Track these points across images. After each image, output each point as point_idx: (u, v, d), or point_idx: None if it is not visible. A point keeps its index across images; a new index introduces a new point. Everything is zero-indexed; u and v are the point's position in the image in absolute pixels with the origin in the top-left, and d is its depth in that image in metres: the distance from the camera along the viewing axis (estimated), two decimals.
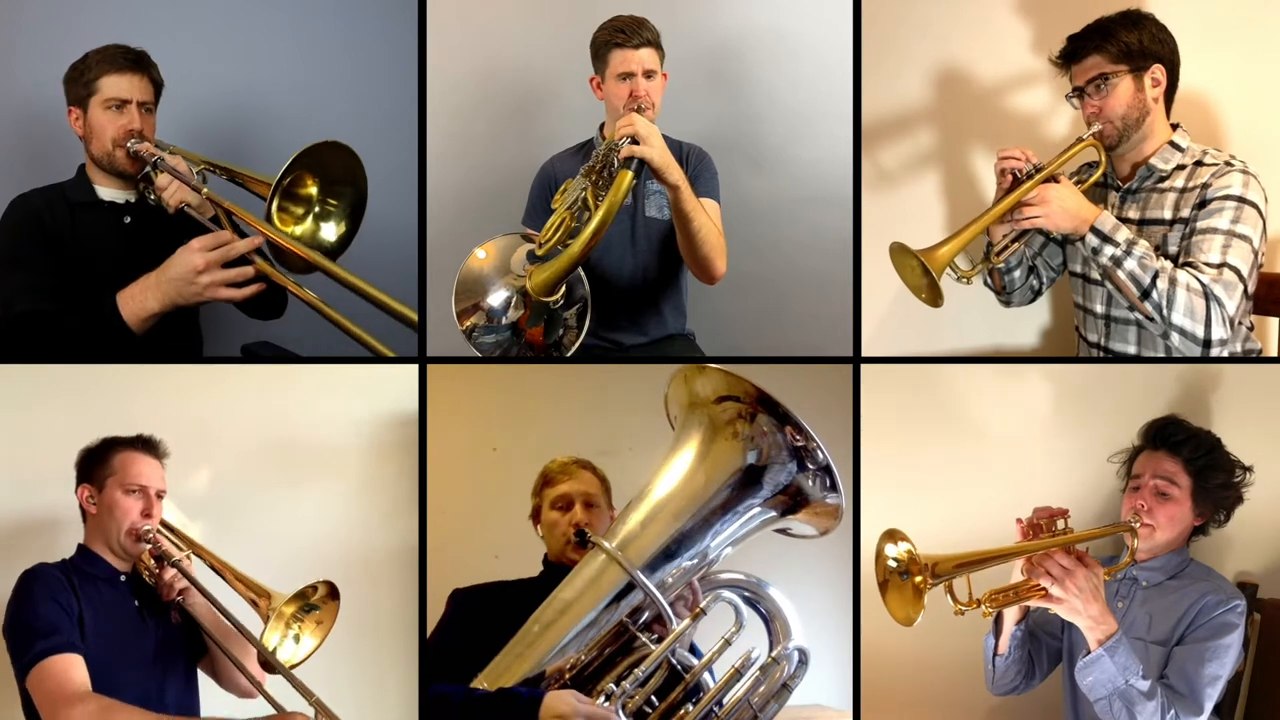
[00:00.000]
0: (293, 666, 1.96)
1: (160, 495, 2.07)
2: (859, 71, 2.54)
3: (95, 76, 2.35)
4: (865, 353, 2.51)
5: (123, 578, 2.04)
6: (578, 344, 2.32)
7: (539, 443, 2.64)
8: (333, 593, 2.03)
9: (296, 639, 2.01)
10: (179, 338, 2.50)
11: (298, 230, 2.32)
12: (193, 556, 2.07)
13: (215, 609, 2.00)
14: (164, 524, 2.10)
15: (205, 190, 2.29)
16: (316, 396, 2.48)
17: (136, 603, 2.04)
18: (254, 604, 2.01)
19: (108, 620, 1.96)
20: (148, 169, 2.35)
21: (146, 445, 2.08)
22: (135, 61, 2.38)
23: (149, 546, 2.01)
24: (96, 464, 2.05)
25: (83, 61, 2.37)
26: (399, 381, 2.40)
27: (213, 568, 2.07)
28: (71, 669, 1.84)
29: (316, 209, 2.34)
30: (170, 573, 2.01)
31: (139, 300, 2.15)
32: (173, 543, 2.07)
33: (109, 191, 2.43)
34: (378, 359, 2.45)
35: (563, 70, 2.70)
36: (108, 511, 2.03)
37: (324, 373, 2.51)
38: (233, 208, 2.28)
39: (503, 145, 2.95)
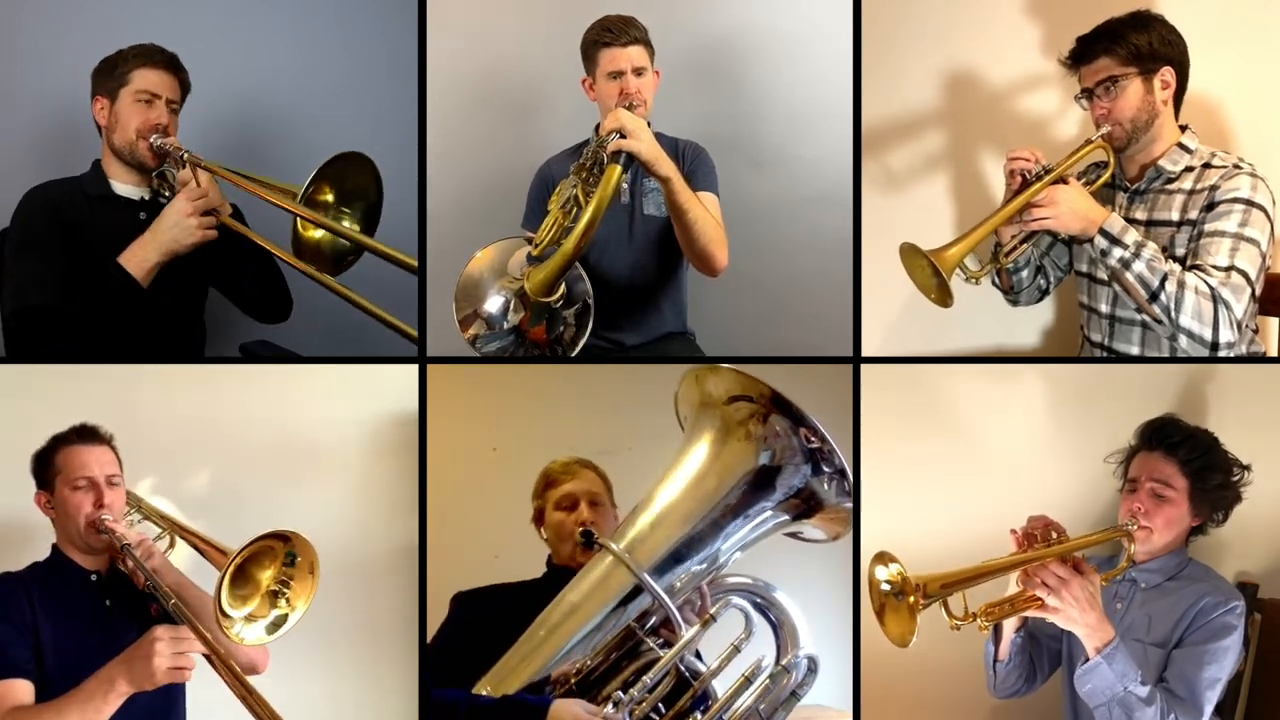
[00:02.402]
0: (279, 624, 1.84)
1: (113, 481, 2.01)
2: (859, 71, 2.54)
3: (130, 69, 2.39)
4: (866, 353, 2.50)
5: (94, 577, 2.00)
6: (581, 344, 2.32)
7: (539, 443, 2.64)
8: (282, 538, 1.83)
9: (285, 613, 1.84)
10: (183, 335, 2.51)
11: (316, 235, 2.32)
12: (151, 543, 1.98)
13: (160, 590, 1.87)
14: (139, 504, 2.07)
15: (188, 157, 2.36)
16: (316, 396, 2.48)
17: (108, 602, 2.00)
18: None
19: (73, 625, 1.92)
20: (164, 167, 2.40)
21: (84, 434, 2.02)
22: (170, 60, 2.43)
23: (108, 538, 1.95)
24: (45, 467, 2.02)
25: (117, 54, 2.41)
26: (399, 381, 2.40)
27: (191, 544, 2.00)
28: (6, 696, 1.80)
29: (331, 216, 2.33)
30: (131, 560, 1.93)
31: (139, 255, 2.29)
32: (160, 520, 2.05)
33: (124, 187, 2.45)
34: (377, 359, 2.46)
35: (563, 71, 2.69)
36: (63, 511, 1.99)
37: (324, 373, 2.51)
38: (251, 189, 2.34)
39: (503, 146, 2.95)
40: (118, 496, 2.02)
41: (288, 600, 1.84)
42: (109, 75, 2.41)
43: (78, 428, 2.03)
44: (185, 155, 2.36)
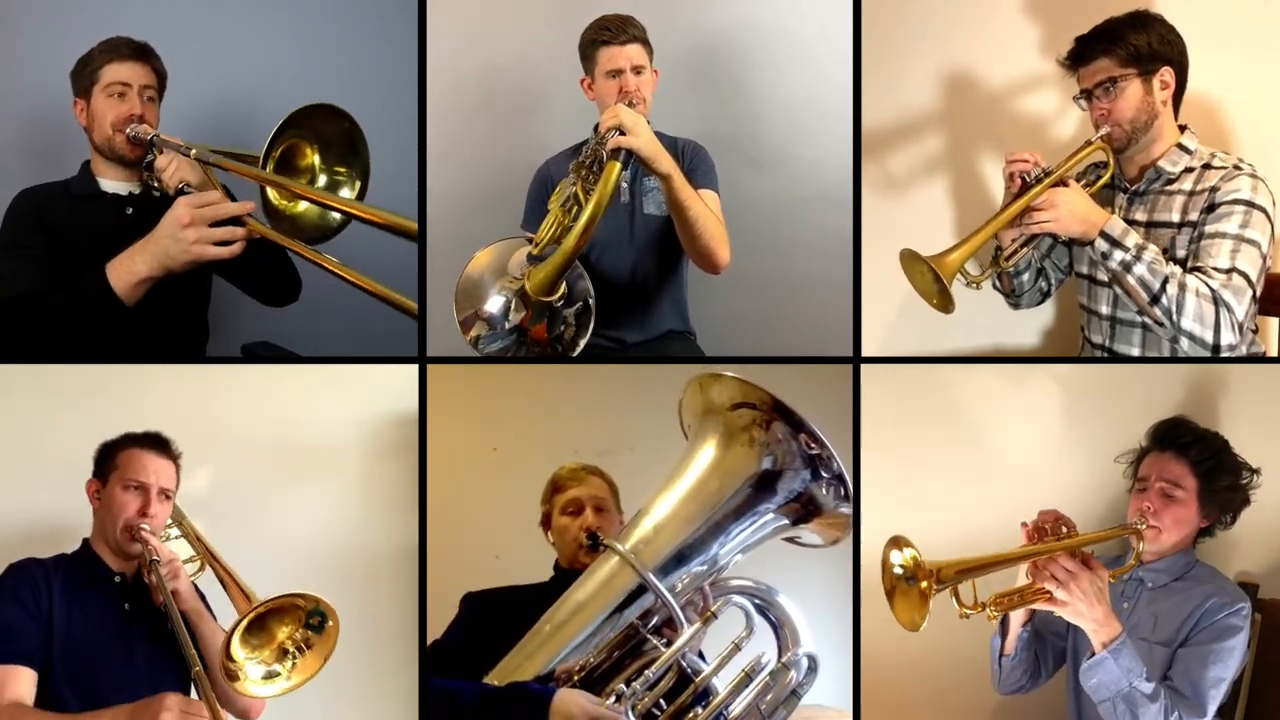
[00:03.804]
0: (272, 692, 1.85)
1: (166, 494, 2.03)
2: (859, 71, 2.54)
3: (98, 66, 2.37)
4: (866, 353, 2.50)
5: (118, 579, 2.01)
6: (583, 343, 2.32)
7: (539, 443, 2.65)
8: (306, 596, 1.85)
9: (272, 675, 1.84)
10: (188, 333, 2.50)
11: (301, 206, 2.27)
12: (181, 567, 2.00)
13: (181, 625, 1.87)
14: (181, 521, 2.07)
15: (194, 151, 2.27)
16: (316, 396, 2.48)
17: (127, 606, 2.00)
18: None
19: (89, 622, 1.93)
20: (150, 156, 2.35)
21: (154, 442, 2.05)
22: (138, 50, 2.40)
23: (140, 546, 1.97)
24: (107, 458, 2.04)
25: (88, 54, 2.39)
26: (399, 381, 2.40)
27: (218, 576, 2.02)
28: (4, 681, 1.81)
29: (322, 180, 2.30)
30: (155, 576, 1.94)
31: (126, 264, 2.10)
32: (195, 542, 2.05)
33: (112, 183, 2.44)
34: (377, 359, 2.45)
35: (563, 71, 2.69)
36: (108, 507, 2.01)
37: (324, 373, 2.51)
38: (230, 165, 2.24)
39: (503, 145, 2.95)
40: (163, 511, 2.03)
41: (294, 664, 1.84)
42: (81, 75, 2.39)
43: (152, 434, 2.06)
44: (151, 137, 2.33)
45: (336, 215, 2.29)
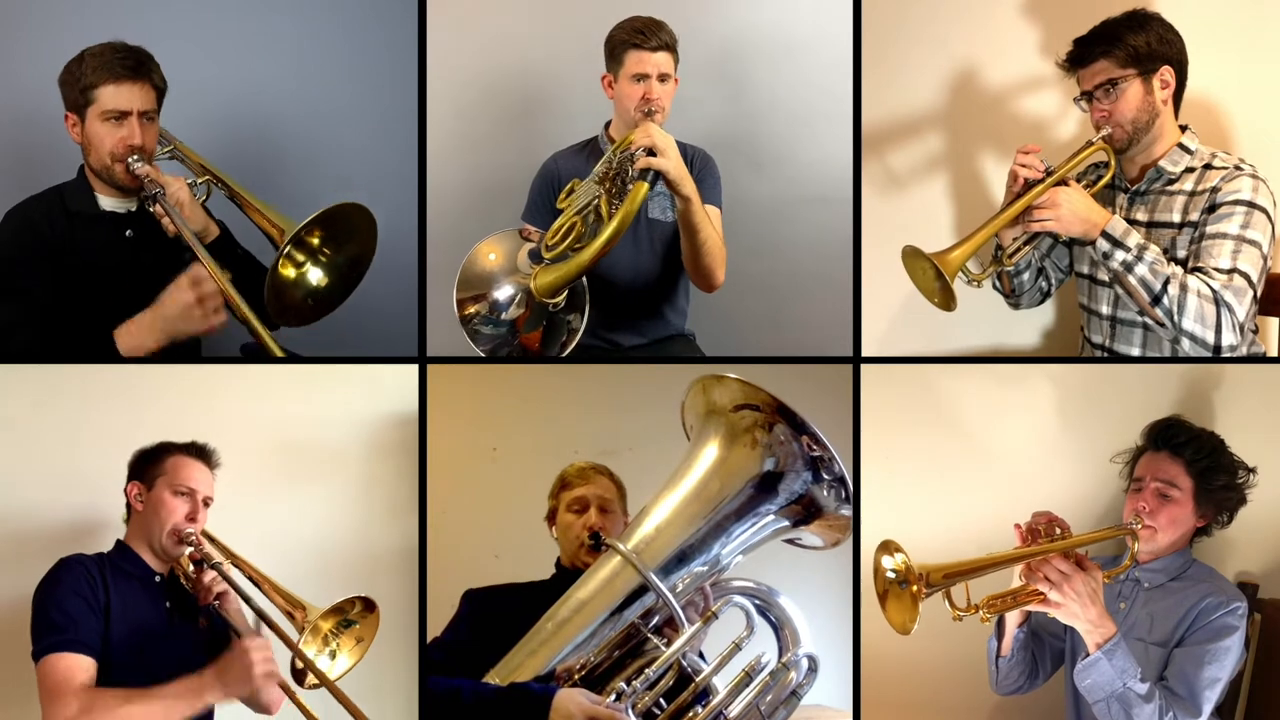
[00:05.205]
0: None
1: (207, 502, 2.08)
2: (859, 71, 2.54)
3: (92, 84, 2.24)
4: (866, 353, 2.51)
5: (158, 578, 2.04)
6: (574, 344, 2.33)
7: (539, 443, 2.65)
8: (369, 605, 2.02)
9: (332, 654, 2.02)
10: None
11: (291, 273, 2.25)
12: (231, 566, 2.06)
13: (256, 614, 2.00)
14: (205, 533, 2.09)
15: (159, 194, 2.24)
16: (316, 396, 2.48)
17: (168, 604, 2.04)
18: (289, 616, 2.01)
19: (136, 617, 1.97)
20: (150, 195, 2.27)
21: (199, 452, 2.10)
22: (134, 68, 2.26)
23: (190, 549, 2.01)
24: (149, 463, 2.07)
25: (79, 63, 2.26)
26: (399, 381, 2.40)
27: (250, 578, 2.07)
28: (75, 669, 1.84)
29: (316, 256, 2.28)
30: (209, 575, 2.01)
31: (135, 339, 2.15)
32: (223, 553, 2.08)
33: (110, 201, 2.34)
34: (377, 359, 2.45)
35: (564, 70, 2.70)
36: (153, 510, 2.03)
37: (324, 373, 2.50)
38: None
39: (503, 145, 2.95)
40: (204, 518, 2.08)
41: (338, 644, 2.03)
42: (74, 89, 2.23)
43: (198, 445, 2.11)
44: (158, 192, 2.22)
45: (312, 283, 2.28)
